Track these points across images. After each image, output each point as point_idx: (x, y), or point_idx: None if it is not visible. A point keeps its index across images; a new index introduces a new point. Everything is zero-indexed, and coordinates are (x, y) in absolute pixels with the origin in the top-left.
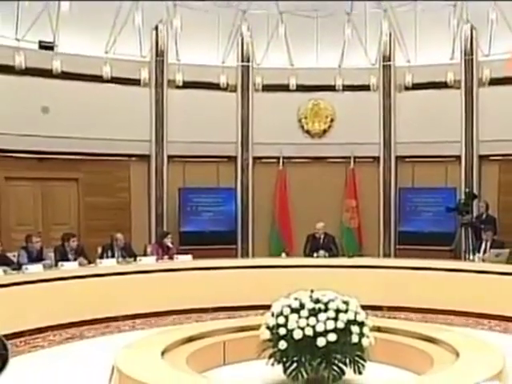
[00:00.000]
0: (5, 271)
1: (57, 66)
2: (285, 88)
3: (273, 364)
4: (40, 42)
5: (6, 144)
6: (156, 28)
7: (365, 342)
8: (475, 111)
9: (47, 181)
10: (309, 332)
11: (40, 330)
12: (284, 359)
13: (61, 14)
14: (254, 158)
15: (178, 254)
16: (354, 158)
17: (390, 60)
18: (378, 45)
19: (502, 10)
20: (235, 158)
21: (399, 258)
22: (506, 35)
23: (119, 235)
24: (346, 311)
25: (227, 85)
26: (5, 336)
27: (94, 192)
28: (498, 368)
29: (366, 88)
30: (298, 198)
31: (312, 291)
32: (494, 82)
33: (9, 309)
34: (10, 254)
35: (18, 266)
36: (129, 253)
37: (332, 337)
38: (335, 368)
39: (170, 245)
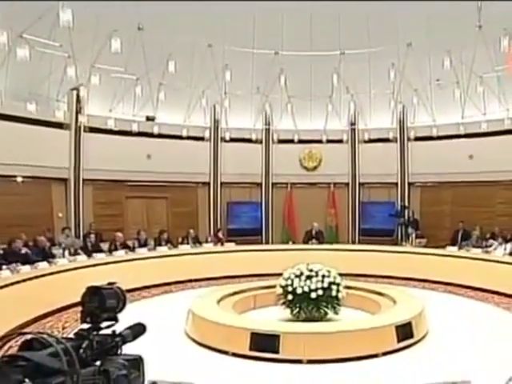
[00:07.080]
0: (126, 252)
1: (156, 130)
2: (291, 141)
3: (284, 308)
4: (146, 116)
5: (125, 177)
6: (214, 106)
7: (340, 295)
8: (406, 156)
9: (149, 198)
10: (306, 289)
11: (145, 287)
12: (290, 305)
13: (159, 100)
14: (272, 184)
15: (227, 242)
16: (334, 183)
17: (354, 124)
18: (347, 115)
19: (421, 98)
20: (261, 183)
21: (361, 244)
22: (423, 112)
23: (191, 230)
24: (328, 276)
25: (256, 139)
26: (126, 290)
27: (176, 205)
28: (419, 310)
29: (340, 142)
30: (299, 209)
31: (308, 264)
32: (417, 139)
33: (129, 274)
34: (128, 242)
35: (132, 249)
36: (197, 241)
37: (320, 292)
38: (321, 311)
39: (221, 236)
